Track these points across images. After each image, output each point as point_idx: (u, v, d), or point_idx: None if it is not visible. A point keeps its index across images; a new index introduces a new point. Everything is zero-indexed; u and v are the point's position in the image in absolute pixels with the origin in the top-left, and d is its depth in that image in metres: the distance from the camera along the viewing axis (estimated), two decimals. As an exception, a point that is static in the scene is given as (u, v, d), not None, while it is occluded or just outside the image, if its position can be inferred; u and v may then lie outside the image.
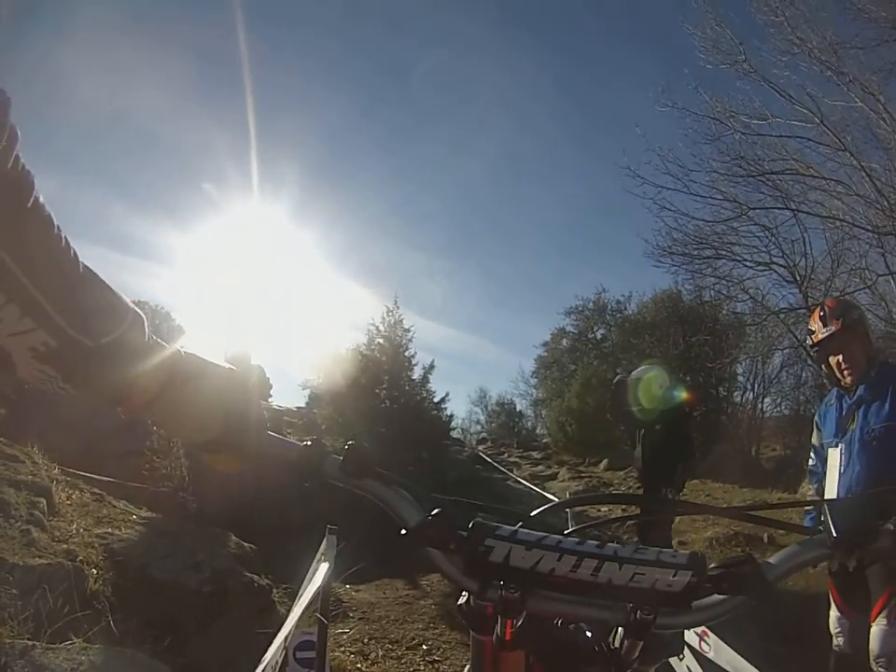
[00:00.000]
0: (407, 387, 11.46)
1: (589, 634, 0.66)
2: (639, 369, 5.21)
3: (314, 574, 2.31)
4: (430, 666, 3.21)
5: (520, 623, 0.59)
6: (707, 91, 8.62)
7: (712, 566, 0.58)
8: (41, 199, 0.53)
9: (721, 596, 0.59)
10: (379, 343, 11.27)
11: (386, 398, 11.04)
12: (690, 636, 2.18)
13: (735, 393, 14.66)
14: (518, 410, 24.59)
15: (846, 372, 2.39)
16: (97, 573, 2.27)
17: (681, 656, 2.16)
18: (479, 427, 25.10)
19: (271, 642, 2.58)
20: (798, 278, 8.37)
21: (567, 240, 38.15)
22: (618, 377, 5.17)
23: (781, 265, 8.62)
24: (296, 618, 1.78)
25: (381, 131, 39.33)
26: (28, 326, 0.53)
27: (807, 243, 8.64)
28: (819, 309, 2.59)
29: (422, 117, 38.26)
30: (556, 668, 0.66)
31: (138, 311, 0.61)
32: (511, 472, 13.81)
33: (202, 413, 0.62)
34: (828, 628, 2.47)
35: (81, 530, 2.61)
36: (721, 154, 8.48)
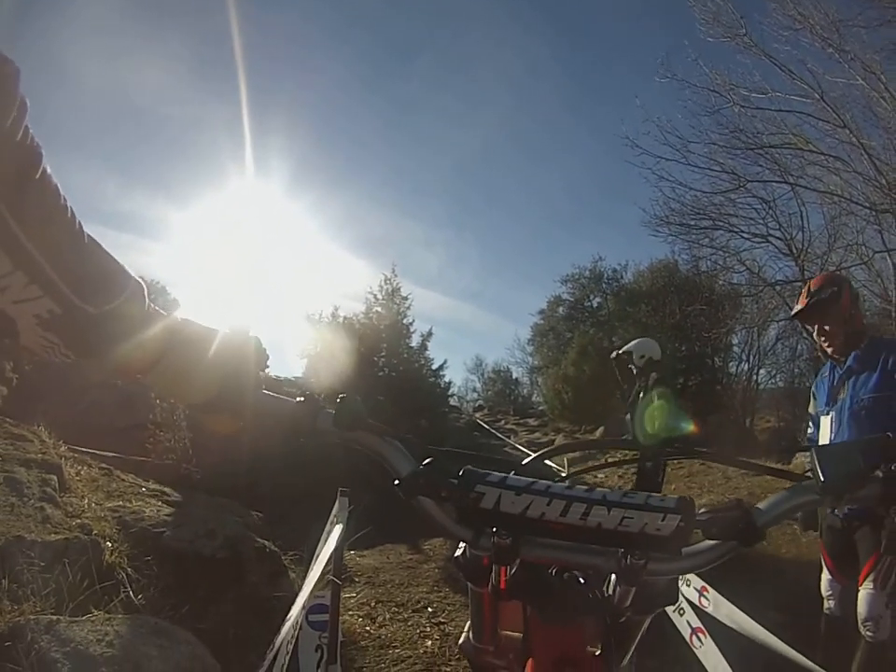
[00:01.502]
0: (405, 355, 11.53)
1: (583, 581, 0.67)
2: (635, 341, 5.35)
3: (328, 536, 2.37)
4: (436, 628, 3.33)
5: (513, 571, 0.60)
6: (706, 63, 8.50)
7: (701, 510, 0.58)
8: (48, 170, 0.53)
9: (712, 542, 0.59)
10: (377, 311, 11.28)
11: (385, 366, 11.12)
12: (689, 592, 2.27)
13: (731, 364, 14.87)
14: (514, 377, 24.88)
15: (825, 344, 2.52)
16: (112, 546, 2.32)
17: (682, 611, 2.25)
18: (475, 395, 25.41)
19: (284, 606, 2.70)
20: (794, 251, 8.41)
21: (563, 210, 37.94)
22: (622, 349, 5.33)
23: (778, 238, 8.66)
24: (314, 580, 1.84)
25: (379, 103, 38.34)
26: (34, 293, 0.54)
27: (804, 217, 8.70)
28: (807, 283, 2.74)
29: (421, 89, 37.50)
30: (552, 617, 0.67)
31: (139, 280, 0.63)
32: (509, 439, 14.03)
33: (199, 375, 0.64)
34: (819, 592, 2.57)
35: (93, 504, 2.65)
36: (719, 126, 8.46)
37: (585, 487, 0.58)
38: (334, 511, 2.59)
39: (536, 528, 0.57)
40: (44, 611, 1.66)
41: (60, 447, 3.11)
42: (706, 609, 2.20)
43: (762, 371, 14.01)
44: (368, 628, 3.26)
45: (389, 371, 11.25)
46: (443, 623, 3.40)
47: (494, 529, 0.57)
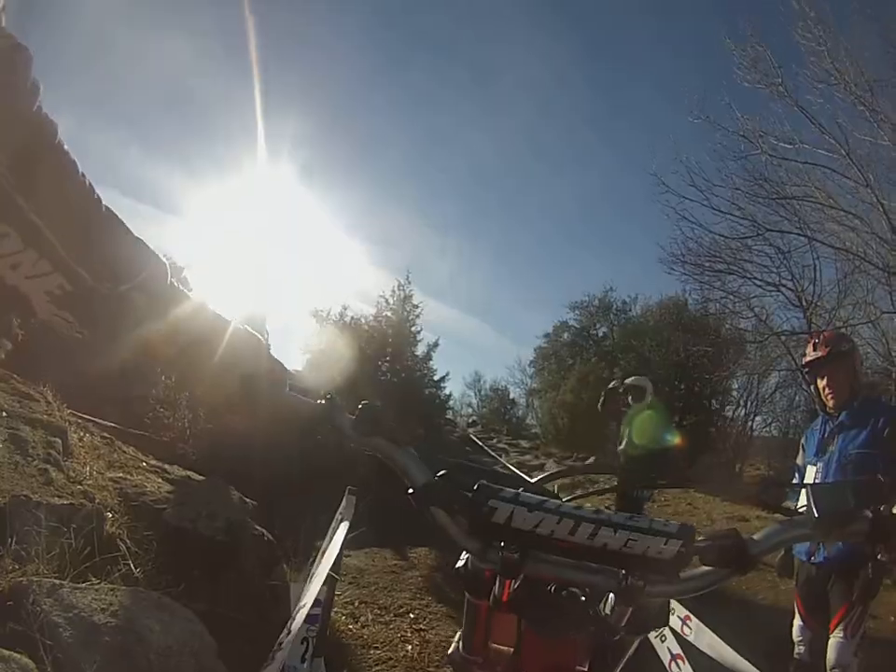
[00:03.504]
0: (409, 363, 11.54)
1: (583, 599, 0.68)
2: (633, 378, 5.39)
3: (334, 533, 2.37)
4: (417, 634, 3.32)
5: (516, 585, 0.62)
6: (739, 108, 8.63)
7: (700, 538, 0.60)
8: (65, 146, 0.54)
9: (708, 568, 0.62)
10: (387, 315, 11.32)
11: (388, 370, 11.12)
12: (673, 620, 2.29)
13: (728, 407, 14.83)
14: (511, 397, 24.56)
15: (829, 396, 2.60)
16: (113, 517, 2.31)
17: (663, 637, 2.28)
18: (470, 410, 25.20)
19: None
20: (804, 303, 8.46)
21: (579, 232, 37.86)
22: (614, 382, 5.42)
23: (789, 288, 8.71)
24: (323, 574, 1.84)
25: (400, 98, 38.40)
26: (45, 269, 0.55)
27: (818, 270, 8.77)
28: (816, 335, 2.81)
29: (443, 88, 37.46)
30: (547, 632, 0.68)
31: (161, 258, 0.62)
32: (500, 458, 13.94)
33: (220, 372, 0.64)
34: (791, 638, 2.65)
35: (95, 473, 2.65)
36: (745, 172, 8.65)
37: (594, 508, 0.60)
38: (341, 508, 2.59)
39: (543, 545, 0.59)
40: (47, 574, 1.65)
41: (64, 410, 3.10)
42: (687, 637, 2.23)
43: (757, 419, 14.03)
44: (351, 627, 3.24)
45: (392, 376, 11.25)
46: (424, 630, 3.39)
47: (502, 543, 0.59)
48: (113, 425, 4.04)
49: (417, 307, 11.41)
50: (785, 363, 9.46)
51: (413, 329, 11.33)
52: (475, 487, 0.60)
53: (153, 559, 2.17)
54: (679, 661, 2.15)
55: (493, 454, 14.36)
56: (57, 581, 1.59)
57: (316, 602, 2.26)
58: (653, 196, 9.31)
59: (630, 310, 19.32)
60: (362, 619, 3.41)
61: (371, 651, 2.99)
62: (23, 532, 1.75)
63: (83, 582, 1.71)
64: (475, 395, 25.91)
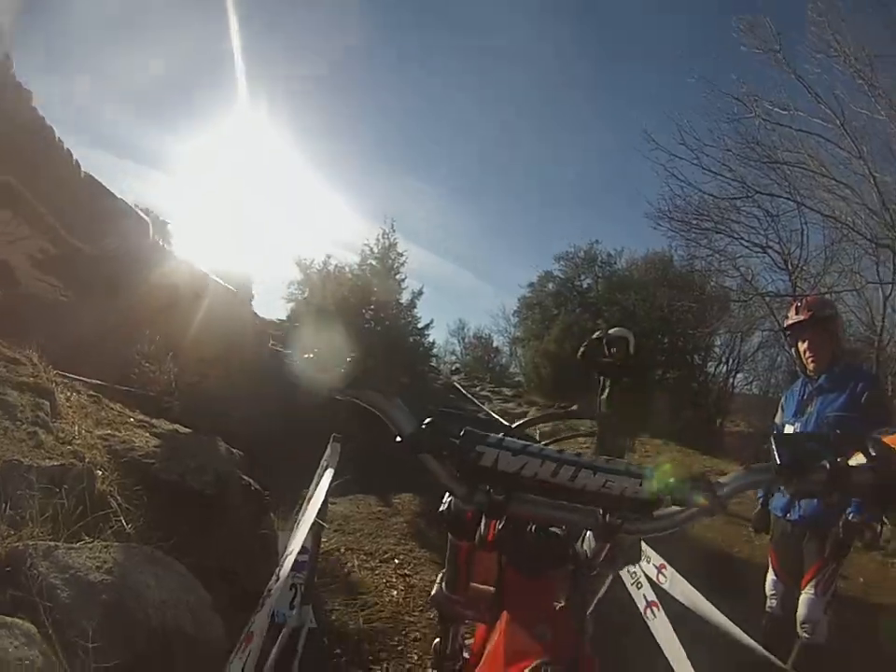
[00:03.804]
0: (394, 311, 11.53)
1: (561, 537, 0.75)
2: (616, 329, 5.51)
3: (319, 479, 2.45)
4: (401, 579, 3.52)
5: (500, 526, 0.67)
6: (735, 72, 8.40)
7: (672, 480, 0.63)
8: (40, 112, 0.52)
9: (678, 508, 0.66)
10: (371, 264, 11.18)
11: (372, 318, 11.12)
12: (648, 568, 2.42)
13: (710, 364, 15.21)
14: (495, 346, 24.94)
15: (809, 359, 2.64)
16: (103, 474, 2.36)
17: (639, 584, 2.40)
18: (454, 358, 25.50)
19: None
20: (790, 266, 8.56)
21: (566, 190, 37.41)
22: (597, 332, 5.50)
23: (776, 251, 8.80)
24: (310, 521, 1.91)
25: (390, 52, 36.29)
26: (24, 232, 0.52)
27: (805, 235, 8.86)
28: (800, 299, 2.89)
29: (434, 47, 35.56)
30: (528, 569, 0.75)
31: (143, 216, 0.60)
32: (483, 406, 14.25)
33: (203, 328, 0.62)
34: (764, 592, 2.78)
35: (84, 432, 2.68)
36: (737, 135, 8.55)
37: (574, 452, 0.64)
38: (326, 456, 2.66)
39: (526, 487, 0.63)
40: (41, 537, 1.71)
41: (51, 372, 3.10)
42: (662, 585, 2.35)
43: (739, 376, 14.43)
44: (336, 574, 3.42)
45: (376, 324, 11.25)
46: (409, 576, 3.59)
47: (489, 486, 0.64)
48: (99, 382, 4.04)
49: (402, 255, 11.30)
50: (768, 323, 9.66)
51: (397, 277, 11.25)
52: (461, 433, 0.64)
53: (144, 514, 2.23)
54: (654, 608, 2.26)
55: (476, 401, 14.68)
56: (52, 544, 1.63)
57: (303, 549, 2.36)
58: (643, 152, 9.16)
59: (615, 263, 19.40)
60: (348, 565, 3.60)
61: (358, 597, 3.17)
62: (16, 497, 1.78)
63: (77, 542, 1.77)
64: (459, 343, 26.21)
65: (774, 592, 2.74)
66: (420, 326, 12.25)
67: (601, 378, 5.59)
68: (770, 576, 2.77)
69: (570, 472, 0.62)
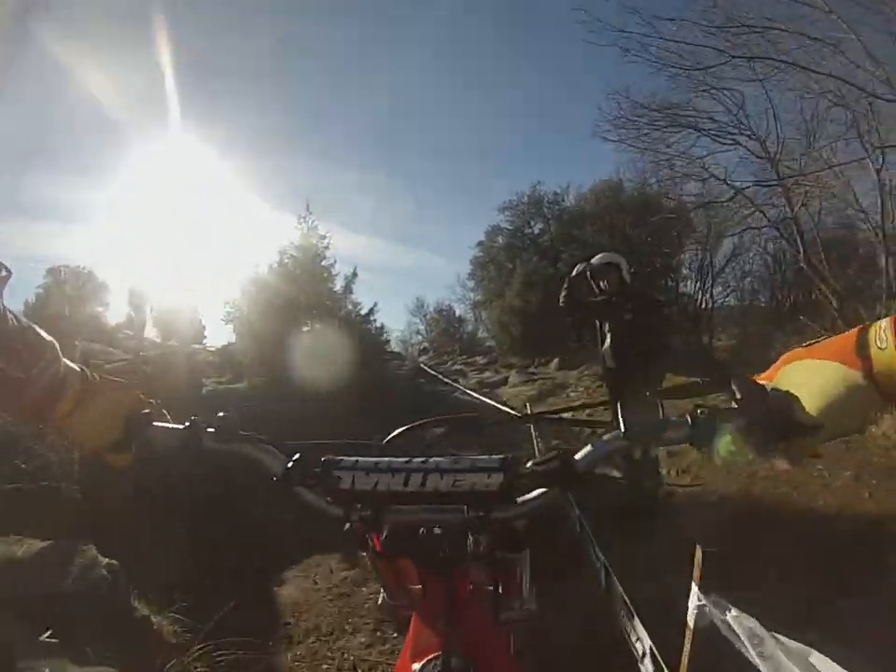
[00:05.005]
0: (328, 302, 10.01)
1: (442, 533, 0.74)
2: (599, 256, 4.10)
3: None
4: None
5: (385, 535, 0.68)
6: None
7: (529, 463, 0.67)
8: None
9: (540, 490, 0.68)
10: (292, 255, 9.56)
11: (306, 317, 9.59)
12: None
13: (681, 284, 14.41)
14: (458, 315, 24.28)
15: None
16: None
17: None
18: (420, 338, 24.77)
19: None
20: (768, 153, 7.34)
21: (499, 141, 36.32)
22: (578, 267, 4.02)
23: (750, 137, 7.54)
24: None
25: (296, 38, 33.68)
26: None
27: (776, 118, 7.60)
28: None
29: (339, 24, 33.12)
30: (427, 566, 0.73)
31: (53, 342, 0.76)
32: (458, 383, 12.85)
33: (107, 420, 0.77)
34: None
35: None
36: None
37: (422, 459, 0.69)
38: None
39: (393, 499, 0.68)
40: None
41: None
42: None
43: (717, 290, 13.65)
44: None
45: (312, 322, 9.72)
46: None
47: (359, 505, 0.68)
48: None
49: (325, 237, 9.68)
50: (754, 221, 8.50)
51: (323, 263, 9.67)
52: (322, 461, 0.69)
53: None
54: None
55: (447, 380, 13.30)
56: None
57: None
58: (587, 38, 7.67)
59: (563, 200, 18.39)
60: None
61: None
62: None
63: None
64: (421, 321, 25.48)
65: None
66: (364, 312, 10.74)
67: (598, 325, 4.21)
68: None
69: (419, 479, 0.66)
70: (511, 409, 8.54)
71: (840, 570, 2.63)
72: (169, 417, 0.80)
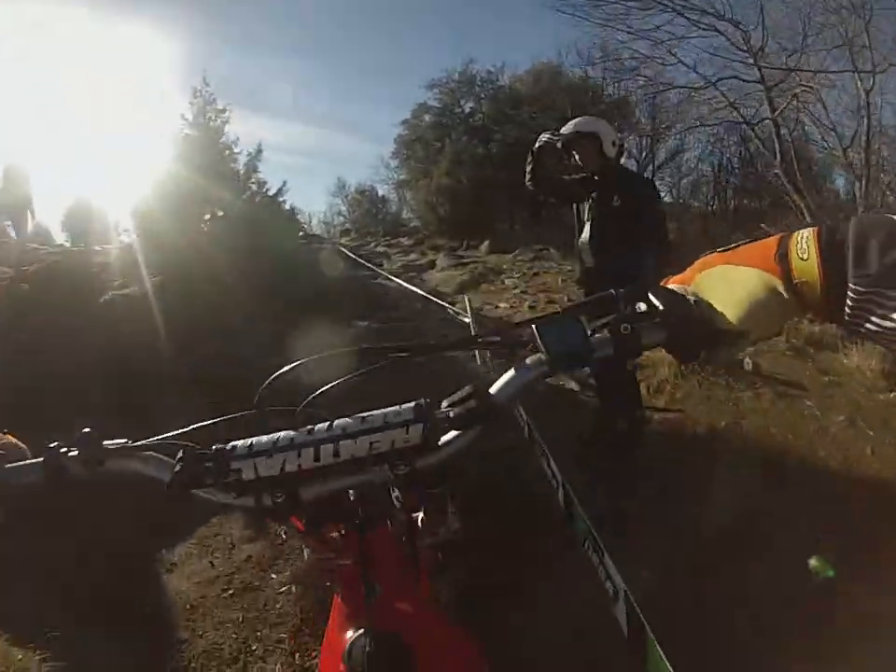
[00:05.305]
0: (231, 185, 8.68)
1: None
2: (573, 122, 3.20)
3: None
4: None
5: (305, 514, 0.64)
6: None
7: (444, 404, 0.61)
8: None
9: (458, 431, 0.62)
10: (186, 134, 7.93)
11: (207, 203, 8.30)
12: None
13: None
14: (381, 195, 23.08)
15: None
16: None
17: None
18: (341, 220, 23.70)
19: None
20: (750, 47, 6.47)
21: (425, 14, 31.39)
22: (543, 136, 3.15)
23: (730, 22, 6.56)
24: None
25: None
26: None
27: (763, 11, 6.61)
28: None
29: None
30: (362, 531, 0.71)
31: None
32: (381, 267, 11.90)
33: None
34: None
35: None
36: None
37: (326, 425, 0.60)
38: None
39: (306, 475, 0.60)
40: None
41: None
42: None
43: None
44: None
45: (215, 208, 8.50)
46: None
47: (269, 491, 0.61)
48: None
49: (224, 112, 8.05)
50: (714, 118, 7.86)
51: (222, 140, 8.15)
52: (212, 452, 0.59)
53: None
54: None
55: (370, 265, 12.37)
56: None
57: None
58: None
59: (497, 80, 17.15)
60: None
61: None
62: None
63: None
64: (343, 202, 24.56)
65: None
66: (272, 193, 9.48)
67: (576, 210, 3.36)
68: None
69: (331, 450, 0.58)
70: (442, 297, 7.92)
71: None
72: (25, 448, 0.66)
